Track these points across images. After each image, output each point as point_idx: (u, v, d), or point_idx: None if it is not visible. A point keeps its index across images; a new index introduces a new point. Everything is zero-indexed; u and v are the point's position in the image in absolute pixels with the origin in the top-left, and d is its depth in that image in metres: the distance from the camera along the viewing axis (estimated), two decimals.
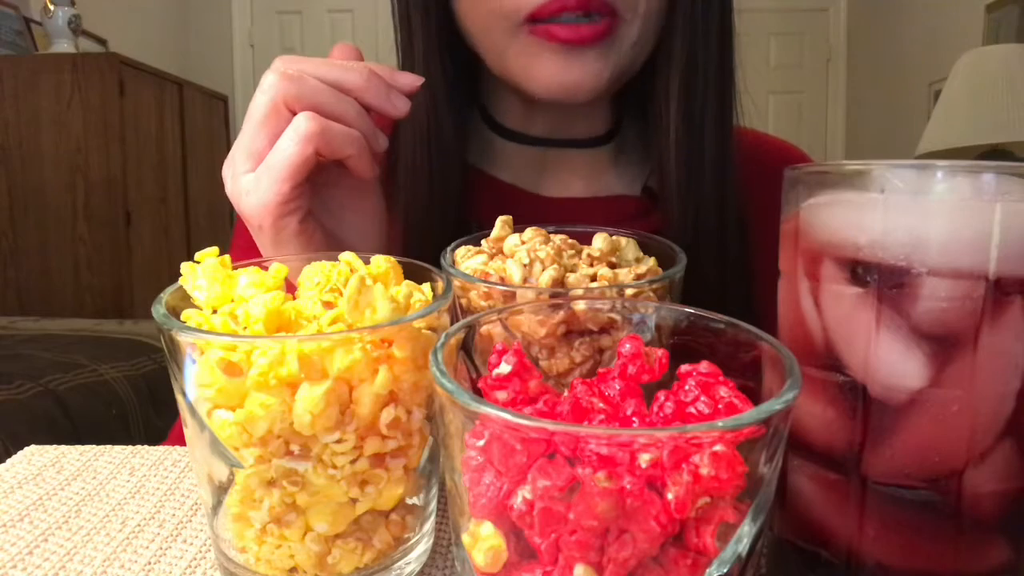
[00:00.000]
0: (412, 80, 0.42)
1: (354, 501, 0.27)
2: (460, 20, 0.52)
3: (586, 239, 0.37)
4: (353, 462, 0.27)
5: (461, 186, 0.54)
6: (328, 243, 0.43)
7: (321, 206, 0.44)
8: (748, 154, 0.57)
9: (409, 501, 0.29)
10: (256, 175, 0.39)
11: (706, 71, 0.51)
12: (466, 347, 0.27)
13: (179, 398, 0.27)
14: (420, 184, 0.52)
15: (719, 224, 0.53)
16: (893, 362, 0.24)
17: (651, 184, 0.58)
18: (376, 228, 0.46)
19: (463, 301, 0.34)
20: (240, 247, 0.59)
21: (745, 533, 0.20)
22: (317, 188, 0.43)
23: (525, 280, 0.33)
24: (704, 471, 0.19)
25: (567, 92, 0.49)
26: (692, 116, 0.52)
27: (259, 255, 0.57)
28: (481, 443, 0.20)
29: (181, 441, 0.53)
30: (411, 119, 0.46)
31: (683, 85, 0.51)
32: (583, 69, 0.49)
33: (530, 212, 0.56)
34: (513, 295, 0.32)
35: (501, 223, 0.37)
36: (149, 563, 0.31)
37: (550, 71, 0.49)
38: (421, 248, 0.51)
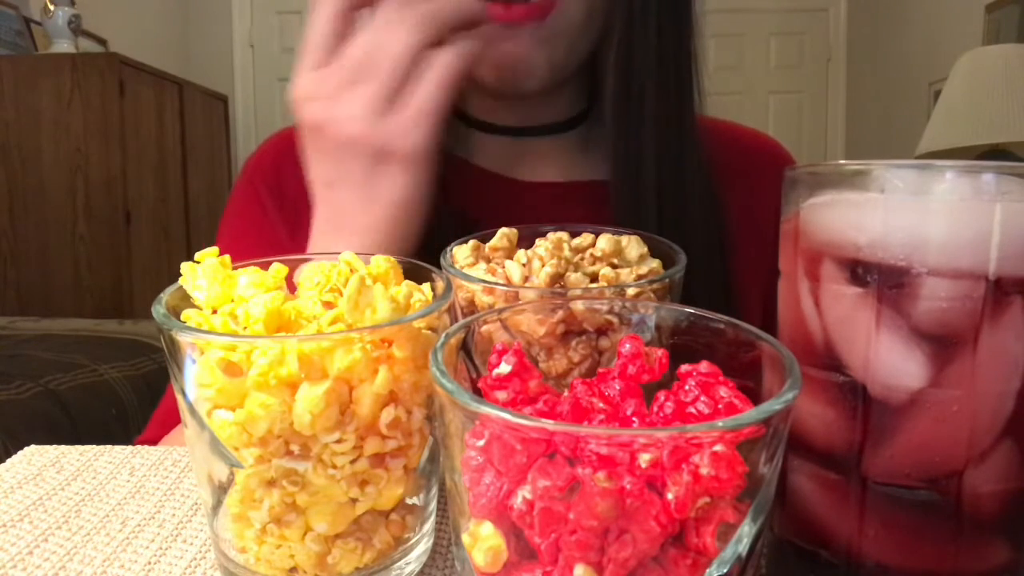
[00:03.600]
0: None
1: (354, 501, 0.27)
2: None
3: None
4: (353, 462, 0.27)
5: (439, 173, 0.55)
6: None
7: None
8: (722, 144, 0.57)
9: (409, 501, 0.29)
10: (406, 119, 0.41)
11: (646, 53, 0.51)
12: (466, 347, 0.27)
13: (179, 398, 0.27)
14: None
15: (680, 209, 0.52)
16: (893, 362, 0.24)
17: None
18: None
19: (463, 301, 0.34)
20: (229, 233, 0.59)
21: (745, 533, 0.21)
22: None
23: (525, 279, 0.33)
24: (704, 471, 0.19)
25: (505, 72, 0.51)
26: (629, 97, 0.52)
27: (249, 243, 0.57)
28: (481, 443, 0.20)
29: (166, 428, 0.53)
30: None
31: (618, 65, 0.52)
32: (518, 49, 0.50)
33: (506, 197, 0.57)
34: (514, 295, 0.32)
35: (501, 235, 0.37)
36: (149, 563, 0.31)
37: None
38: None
